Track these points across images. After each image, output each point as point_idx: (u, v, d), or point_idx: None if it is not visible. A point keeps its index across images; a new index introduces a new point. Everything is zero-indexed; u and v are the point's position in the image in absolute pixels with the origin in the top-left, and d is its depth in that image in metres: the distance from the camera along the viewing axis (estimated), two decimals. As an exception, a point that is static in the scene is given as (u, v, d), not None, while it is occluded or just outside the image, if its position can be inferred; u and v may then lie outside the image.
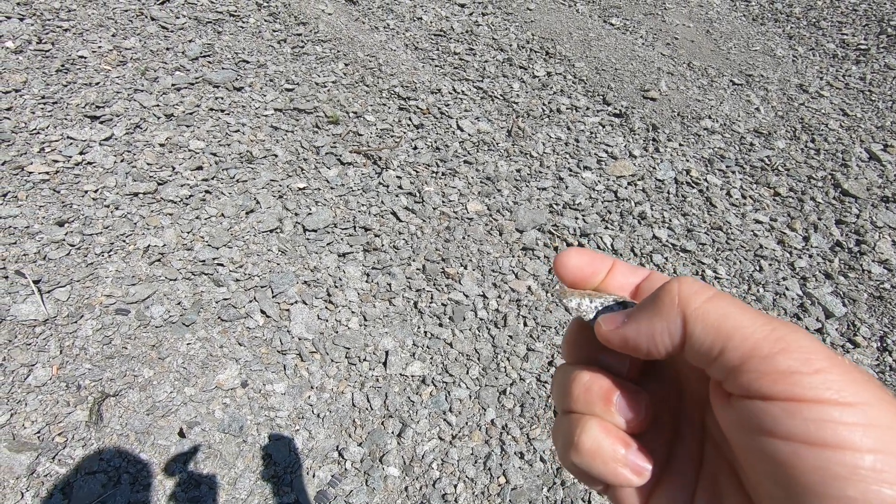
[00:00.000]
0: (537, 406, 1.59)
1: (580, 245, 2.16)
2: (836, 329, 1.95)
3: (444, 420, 1.52)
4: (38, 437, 1.27)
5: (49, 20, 2.59)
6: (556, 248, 2.15)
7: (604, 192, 2.45)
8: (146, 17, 2.81)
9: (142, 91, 2.37)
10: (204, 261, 1.78)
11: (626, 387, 0.26)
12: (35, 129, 2.06)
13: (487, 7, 3.81)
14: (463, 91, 2.95)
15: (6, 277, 1.56)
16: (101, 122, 2.18)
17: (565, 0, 4.19)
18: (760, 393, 0.20)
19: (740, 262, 2.16)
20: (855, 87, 3.37)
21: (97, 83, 2.35)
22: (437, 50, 3.29)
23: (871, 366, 1.86)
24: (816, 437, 0.19)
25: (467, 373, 1.65)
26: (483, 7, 3.81)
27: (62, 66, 2.37)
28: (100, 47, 2.53)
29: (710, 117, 3.02)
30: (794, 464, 0.19)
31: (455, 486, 1.38)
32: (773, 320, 0.22)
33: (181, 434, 1.35)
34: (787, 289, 2.07)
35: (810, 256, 2.23)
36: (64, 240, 1.71)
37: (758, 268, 2.15)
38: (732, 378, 0.21)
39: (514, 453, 1.47)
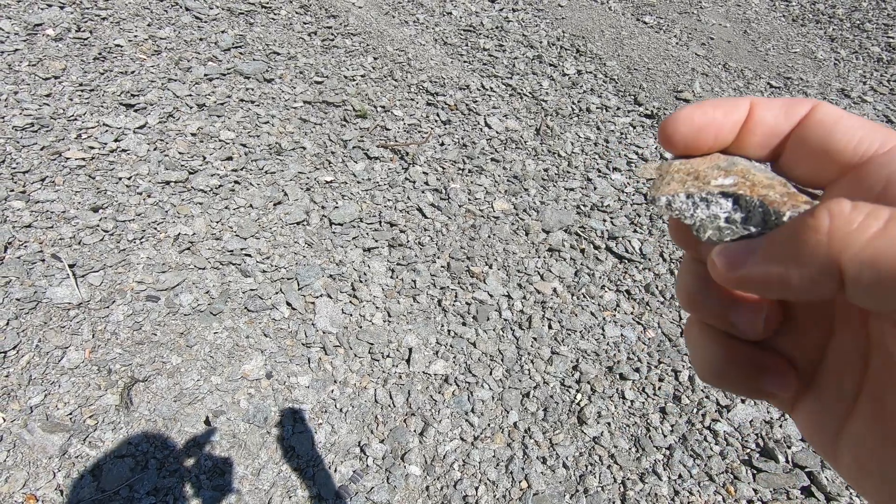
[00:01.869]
0: (560, 411, 1.56)
1: (608, 249, 2.12)
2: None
3: (467, 420, 1.50)
4: (71, 419, 1.30)
5: (88, 9, 2.64)
6: (582, 251, 2.11)
7: (633, 195, 2.40)
8: (181, 7, 2.84)
9: (175, 80, 2.40)
10: (232, 251, 1.80)
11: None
12: (73, 115, 2.10)
13: (518, 3, 3.76)
14: (491, 88, 2.92)
15: (43, 261, 1.60)
16: (136, 111, 2.21)
17: (598, -3, 4.11)
18: None
19: (774, 271, 2.10)
20: (901, 93, 3.24)
21: (132, 72, 2.39)
22: (467, 45, 3.26)
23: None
24: None
25: (490, 374, 1.63)
26: (513, 3, 3.76)
27: (99, 54, 2.41)
28: (136, 36, 2.57)
29: (745, 121, 2.94)
30: None
31: (476, 489, 1.37)
32: None
33: (207, 422, 1.36)
34: (823, 301, 2.00)
35: (848, 268, 2.15)
36: (98, 225, 1.74)
37: (792, 278, 2.08)
38: None
39: (537, 458, 1.45)
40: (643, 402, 1.61)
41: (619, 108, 2.94)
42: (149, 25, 2.66)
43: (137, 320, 1.54)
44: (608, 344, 1.77)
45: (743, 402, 1.62)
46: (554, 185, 2.39)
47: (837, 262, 0.16)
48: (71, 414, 1.31)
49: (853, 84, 3.33)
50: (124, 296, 1.58)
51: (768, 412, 1.60)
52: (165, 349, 1.50)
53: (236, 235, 1.86)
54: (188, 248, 1.78)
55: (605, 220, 2.25)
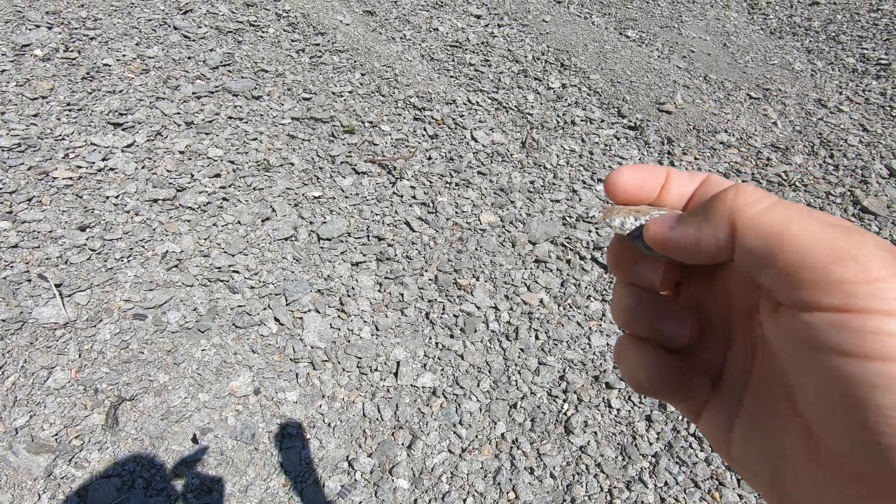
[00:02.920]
0: (548, 421, 1.58)
1: (593, 259, 2.16)
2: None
3: (454, 433, 1.51)
4: (56, 440, 1.30)
5: (76, 29, 2.67)
6: (568, 261, 2.14)
7: (617, 206, 2.44)
8: (169, 26, 2.87)
9: (163, 99, 2.42)
10: (220, 267, 1.81)
11: (669, 306, 0.28)
12: (60, 135, 2.11)
13: (503, 19, 3.84)
14: (478, 102, 2.97)
15: (29, 281, 1.60)
16: (124, 129, 2.23)
17: (581, 12, 4.20)
18: (811, 304, 0.19)
19: (756, 278, 2.14)
20: (875, 103, 3.33)
21: (121, 91, 2.41)
22: (453, 61, 3.32)
23: None
24: (862, 349, 0.18)
25: (478, 385, 1.65)
26: (499, 19, 3.83)
27: (87, 73, 2.43)
28: (124, 55, 2.59)
29: (726, 131, 3.00)
30: (839, 377, 0.19)
31: (464, 501, 1.37)
32: (836, 227, 0.20)
33: (194, 440, 1.36)
34: (803, 307, 2.04)
35: (828, 274, 2.19)
36: (85, 244, 1.75)
37: (774, 285, 2.12)
38: (783, 288, 0.20)
39: (524, 468, 1.46)
40: (629, 411, 1.63)
41: (603, 121, 3.00)
42: (137, 44, 2.69)
43: (124, 339, 1.54)
44: (594, 353, 1.79)
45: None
46: (540, 198, 2.43)
47: (734, 223, 0.22)
48: (57, 435, 1.30)
49: (830, 94, 3.42)
50: (111, 314, 1.59)
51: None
52: (153, 367, 1.50)
53: (224, 252, 1.87)
54: (176, 266, 1.79)
55: (590, 231, 2.29)
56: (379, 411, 1.53)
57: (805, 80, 3.61)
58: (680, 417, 1.61)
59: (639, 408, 1.64)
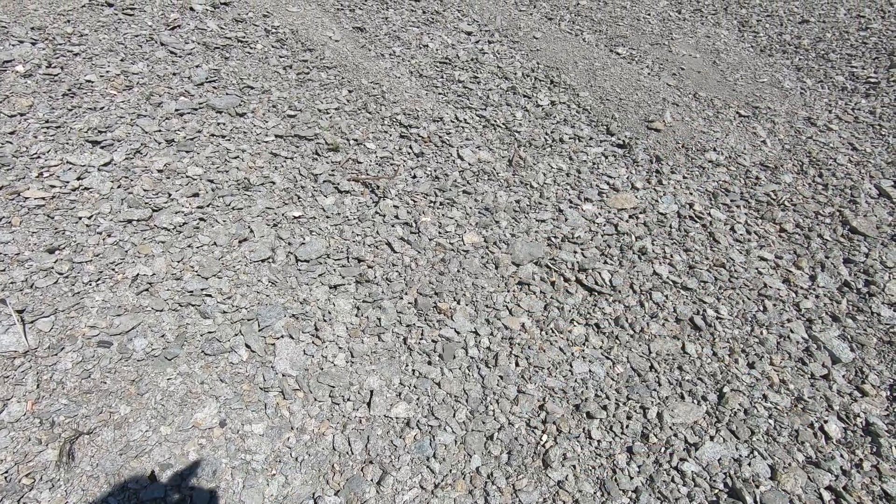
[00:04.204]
0: (525, 453, 1.52)
1: (578, 281, 2.11)
2: (843, 376, 1.86)
3: (427, 467, 1.46)
4: (6, 478, 1.24)
5: (60, 44, 2.65)
6: (552, 283, 2.10)
7: (604, 226, 2.41)
8: (156, 42, 2.86)
9: (144, 116, 2.39)
10: (192, 291, 1.76)
11: None
12: (35, 153, 2.08)
13: (494, 35, 3.84)
14: (465, 119, 2.95)
15: (-9, 306, 1.55)
16: (102, 147, 2.19)
17: (572, 29, 4.21)
18: None
19: (743, 301, 2.10)
20: (864, 121, 3.32)
21: (102, 108, 2.38)
22: (442, 77, 3.30)
23: (881, 416, 1.77)
24: None
25: (454, 416, 1.59)
26: (490, 35, 3.83)
27: (69, 90, 2.41)
28: (107, 72, 2.57)
29: (715, 149, 2.98)
30: None
31: (435, 541, 1.31)
32: None
33: (153, 478, 1.31)
34: (791, 331, 1.99)
35: (817, 297, 2.15)
36: (52, 268, 1.70)
37: (762, 308, 2.07)
38: None
39: (499, 505, 1.40)
40: (610, 442, 1.58)
41: (591, 139, 2.98)
42: (122, 60, 2.67)
43: (87, 368, 1.49)
44: (576, 381, 1.74)
45: (711, 439, 1.59)
46: (525, 217, 2.40)
47: None
48: (6, 473, 1.25)
49: (819, 113, 3.41)
50: (75, 342, 1.54)
51: (737, 449, 1.57)
52: (114, 398, 1.45)
53: (197, 275, 1.82)
54: (146, 290, 1.74)
55: (575, 252, 2.25)
56: (349, 444, 1.48)
57: (794, 98, 3.60)
58: (663, 449, 1.56)
59: (620, 439, 1.59)
